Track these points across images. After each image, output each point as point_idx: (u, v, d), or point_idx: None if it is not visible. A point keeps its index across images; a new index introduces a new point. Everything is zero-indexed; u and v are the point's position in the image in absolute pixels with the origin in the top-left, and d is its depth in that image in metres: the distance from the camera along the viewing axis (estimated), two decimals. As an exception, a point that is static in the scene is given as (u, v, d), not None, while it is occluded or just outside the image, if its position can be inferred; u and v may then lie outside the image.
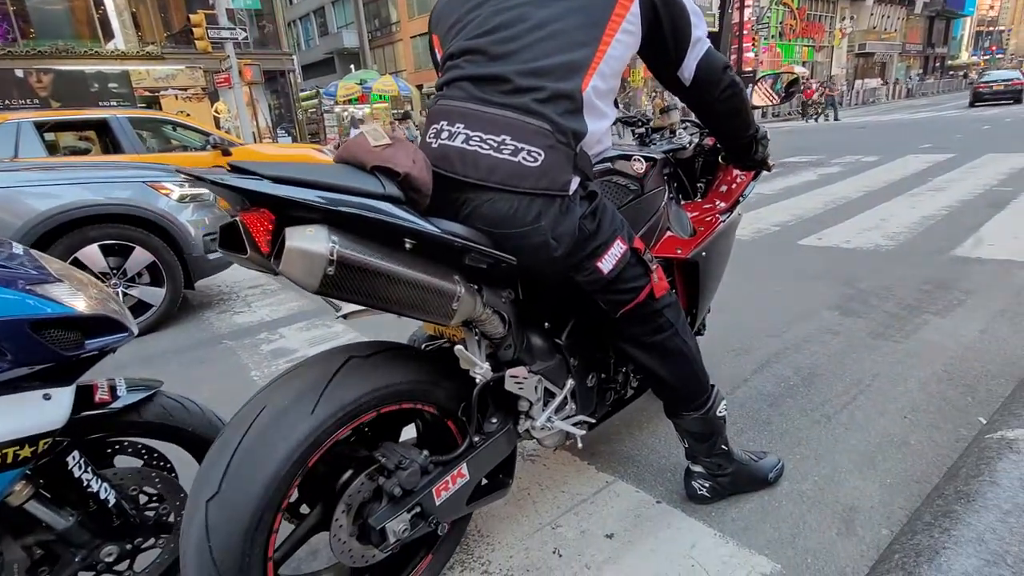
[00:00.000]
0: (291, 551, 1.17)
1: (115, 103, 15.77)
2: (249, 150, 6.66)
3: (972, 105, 21.73)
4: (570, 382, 1.40)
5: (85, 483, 1.13)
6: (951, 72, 51.27)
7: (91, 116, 6.20)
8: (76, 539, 1.15)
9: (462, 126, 1.09)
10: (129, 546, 1.21)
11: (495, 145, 1.06)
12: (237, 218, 0.96)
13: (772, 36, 32.42)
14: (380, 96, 22.36)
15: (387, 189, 0.99)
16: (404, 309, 1.06)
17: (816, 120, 20.44)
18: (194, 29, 13.48)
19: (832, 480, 1.64)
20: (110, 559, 1.18)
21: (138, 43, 18.42)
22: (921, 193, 5.69)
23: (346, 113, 21.69)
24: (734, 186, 1.84)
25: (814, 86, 24.11)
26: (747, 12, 30.32)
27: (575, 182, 1.12)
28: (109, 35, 18.37)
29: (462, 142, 1.08)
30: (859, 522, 1.46)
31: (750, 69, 29.69)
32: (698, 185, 1.92)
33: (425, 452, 1.20)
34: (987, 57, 60.19)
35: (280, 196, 0.88)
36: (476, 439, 1.27)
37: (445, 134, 1.11)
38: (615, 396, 1.62)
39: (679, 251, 1.59)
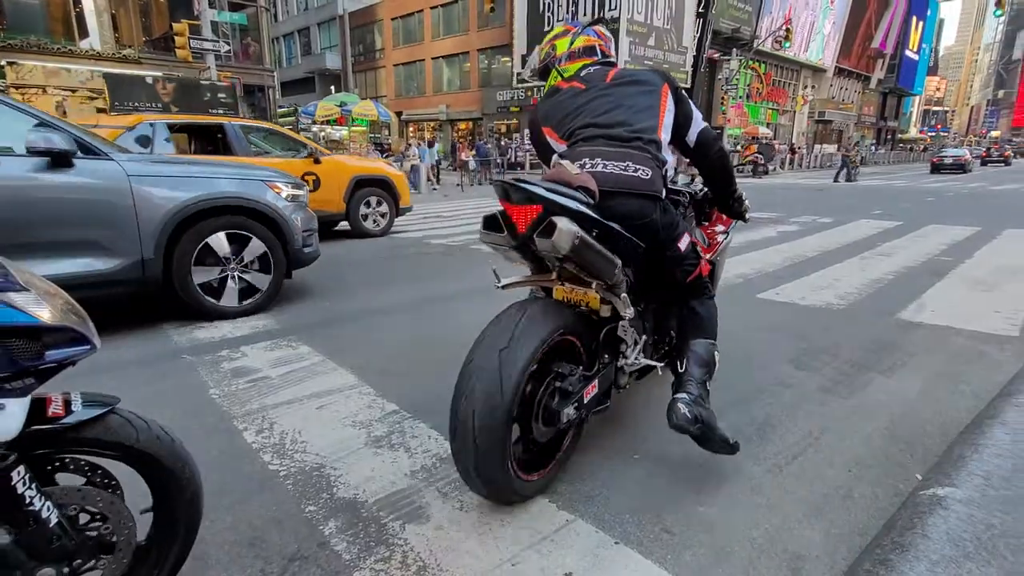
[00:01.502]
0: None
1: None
2: (335, 160, 7.79)
3: (932, 173, 27.99)
4: (644, 336, 2.12)
5: (27, 500, 1.08)
6: (901, 144, 54.73)
7: (210, 122, 7.30)
8: (11, 560, 1.10)
9: (600, 160, 1.83)
10: (67, 569, 1.16)
11: (623, 168, 1.81)
12: (498, 210, 1.76)
13: (740, 96, 34.15)
14: (359, 120, 22.43)
15: (587, 199, 1.72)
16: (594, 271, 1.76)
17: (850, 179, 20.80)
18: (176, 37, 13.39)
19: (782, 528, 1.71)
20: None
21: (115, 45, 18.13)
22: (871, 257, 6.03)
23: (323, 133, 21.68)
24: (723, 220, 2.74)
25: (776, 146, 25.46)
26: (718, 72, 31.93)
27: (664, 192, 1.89)
28: (84, 34, 18.04)
29: (602, 168, 1.81)
30: (805, 571, 1.53)
31: (718, 125, 31.09)
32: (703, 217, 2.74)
33: (581, 368, 1.88)
34: (933, 134, 64.59)
35: (555, 200, 1.63)
36: (600, 365, 1.97)
37: (588, 165, 1.84)
38: (662, 351, 2.39)
39: (704, 254, 2.30)
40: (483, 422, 1.54)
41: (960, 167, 28.54)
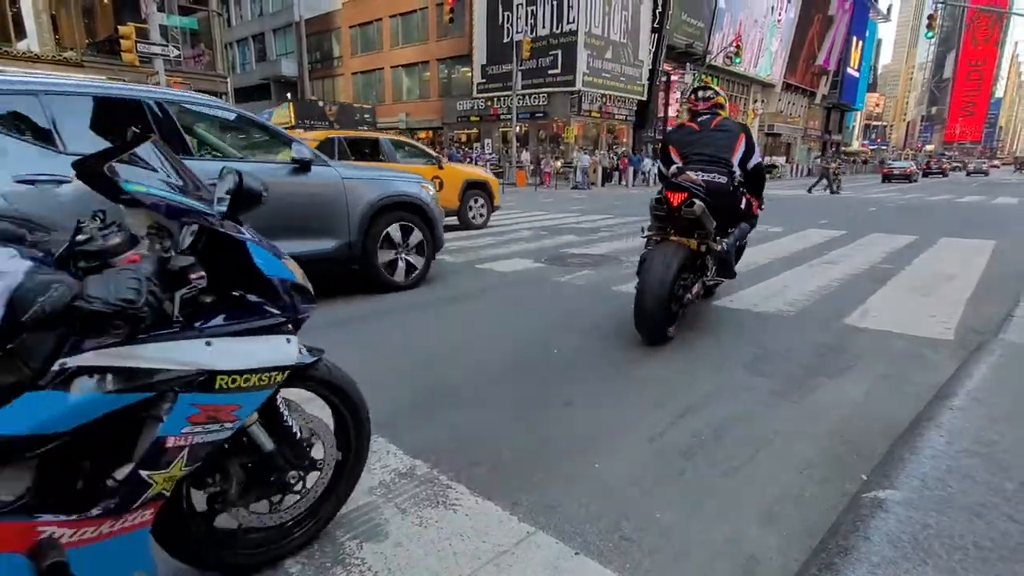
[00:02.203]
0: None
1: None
2: (451, 166, 9.85)
3: (884, 182, 31.68)
4: (713, 265, 3.79)
5: (284, 416, 1.48)
6: (844, 156, 57.38)
7: (369, 136, 9.31)
8: (275, 462, 1.45)
9: (703, 172, 3.59)
10: (302, 471, 1.54)
11: (712, 177, 3.58)
12: (658, 196, 3.57)
13: (694, 109, 35.12)
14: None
15: (701, 191, 3.48)
16: (704, 228, 3.48)
17: (834, 191, 21.10)
18: (122, 41, 12.90)
19: (737, 531, 1.75)
20: (292, 481, 1.51)
21: (55, 47, 17.33)
22: (818, 265, 6.28)
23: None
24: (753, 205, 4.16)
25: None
26: (674, 87, 32.83)
27: (732, 187, 3.68)
28: (21, 35, 17.19)
29: (705, 176, 3.57)
30: (759, 572, 1.57)
31: (674, 137, 31.84)
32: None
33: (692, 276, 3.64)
34: (873, 147, 68.06)
35: (693, 189, 3.44)
36: (698, 276, 3.74)
37: (701, 175, 3.57)
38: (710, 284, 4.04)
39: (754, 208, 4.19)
40: (656, 293, 3.30)
41: (907, 177, 32.47)
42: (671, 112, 33.36)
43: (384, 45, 37.29)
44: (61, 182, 3.05)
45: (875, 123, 78.60)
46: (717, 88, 4.19)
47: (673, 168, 3.74)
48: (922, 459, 1.29)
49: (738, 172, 3.72)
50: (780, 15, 43.54)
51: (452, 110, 33.69)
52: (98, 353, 1.04)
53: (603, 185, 25.27)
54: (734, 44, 31.10)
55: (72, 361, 1.01)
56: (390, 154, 8.50)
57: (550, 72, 28.42)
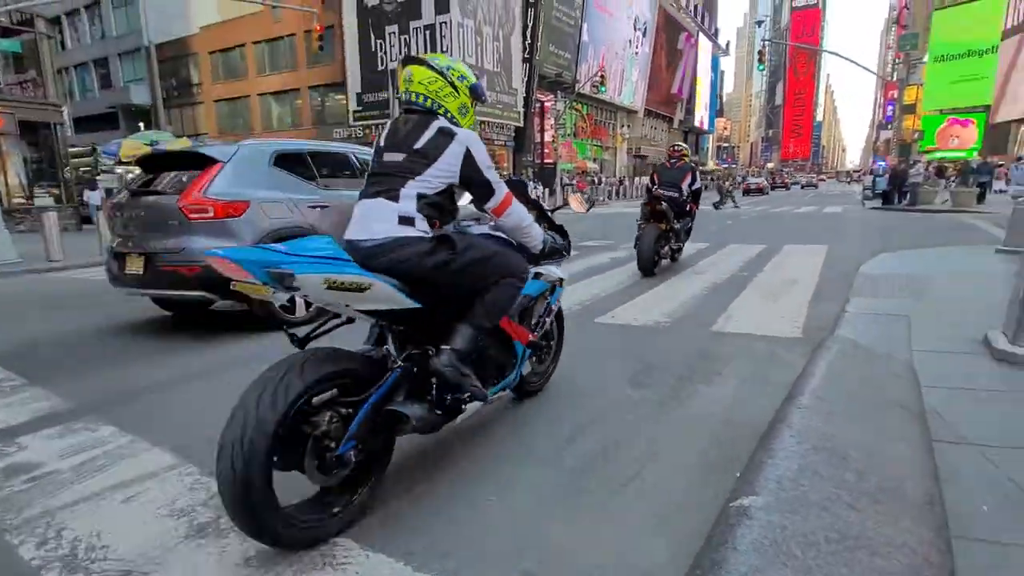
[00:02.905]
0: None
1: None
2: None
3: (744, 195, 35.77)
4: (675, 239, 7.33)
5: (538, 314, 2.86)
6: (702, 175, 63.49)
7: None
8: (549, 336, 3.13)
9: (666, 191, 7.25)
10: (552, 343, 3.22)
11: (673, 193, 7.24)
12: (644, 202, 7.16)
13: (568, 134, 37.09)
14: (176, 159, 20.18)
15: (669, 200, 7.17)
16: (669, 218, 7.00)
17: (735, 206, 22.40)
18: (-79, 65, 11.07)
19: (628, 544, 1.78)
20: (551, 346, 3.19)
21: None
22: (687, 275, 6.80)
23: (131, 175, 19.25)
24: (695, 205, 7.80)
25: (604, 180, 27.95)
26: (547, 113, 34.42)
27: (683, 198, 7.40)
28: None
29: (667, 193, 7.22)
30: (654, 587, 1.60)
31: (551, 160, 33.36)
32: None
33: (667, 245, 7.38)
34: (726, 166, 75.96)
35: (664, 196, 7.15)
36: (669, 245, 7.29)
37: (663, 191, 7.22)
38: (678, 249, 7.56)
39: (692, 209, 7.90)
40: (646, 250, 6.69)
41: (760, 191, 39.66)
42: (547, 137, 34.91)
43: (250, 72, 35.48)
44: (324, 207, 5.06)
45: (725, 144, 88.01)
46: (684, 145, 7.84)
47: (655, 188, 7.30)
48: (777, 461, 1.40)
49: (686, 191, 7.31)
50: (637, 49, 47.47)
51: (327, 138, 32.66)
52: (542, 267, 2.70)
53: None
54: (599, 74, 33.34)
55: (535, 268, 2.62)
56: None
57: (427, 100, 28.56)
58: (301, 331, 2.00)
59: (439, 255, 2.00)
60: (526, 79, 33.41)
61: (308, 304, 4.53)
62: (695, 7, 62.53)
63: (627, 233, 12.62)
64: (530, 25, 32.80)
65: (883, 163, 28.52)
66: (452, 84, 2.20)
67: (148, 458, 2.49)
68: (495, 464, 2.37)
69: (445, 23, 27.52)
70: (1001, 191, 23.99)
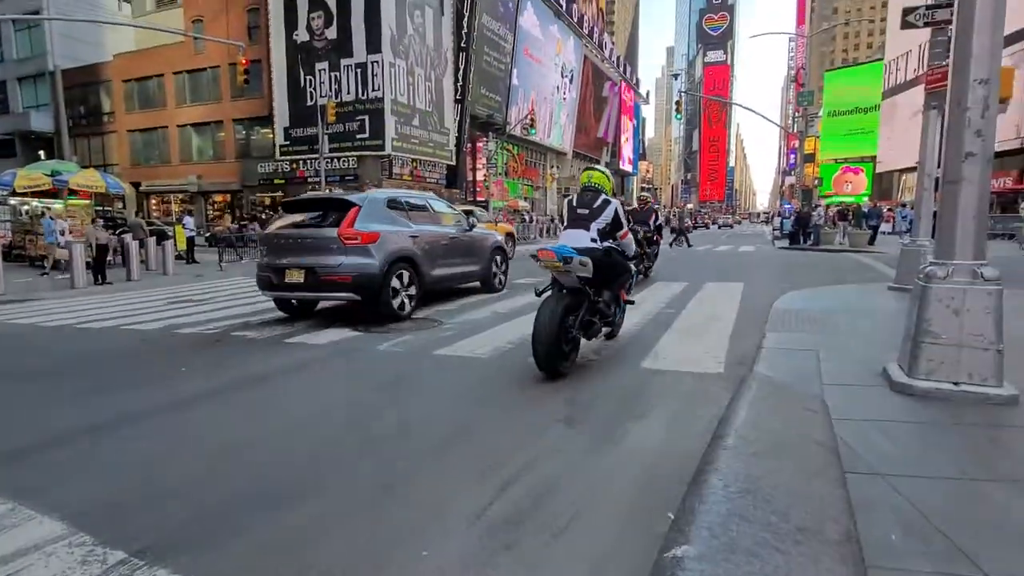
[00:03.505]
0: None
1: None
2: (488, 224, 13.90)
3: (672, 233, 41.44)
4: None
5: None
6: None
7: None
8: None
9: (638, 226, 9.56)
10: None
11: (637, 228, 9.03)
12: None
13: (500, 173, 37.83)
14: (76, 192, 18.89)
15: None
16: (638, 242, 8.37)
17: (672, 246, 22.44)
18: None
19: (567, 600, 1.74)
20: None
21: None
22: (616, 313, 6.97)
23: (26, 207, 17.76)
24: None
25: (536, 218, 28.57)
26: (480, 152, 35.04)
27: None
28: None
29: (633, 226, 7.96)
30: (591, 641, 1.56)
31: (483, 198, 33.78)
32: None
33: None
34: (677, 211, 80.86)
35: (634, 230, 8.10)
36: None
37: (634, 224, 8.76)
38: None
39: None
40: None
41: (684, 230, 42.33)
42: (479, 176, 35.42)
43: (168, 102, 34.03)
44: (416, 237, 7.28)
45: (648, 186, 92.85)
46: (649, 195, 11.39)
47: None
48: (708, 507, 1.41)
49: (652, 226, 10.01)
50: (565, 94, 49.62)
51: (252, 172, 31.65)
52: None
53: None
54: (529, 117, 34.46)
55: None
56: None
57: (358, 136, 28.44)
58: (540, 287, 4.45)
59: (603, 257, 4.31)
60: (458, 119, 34.00)
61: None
62: (618, 58, 66.54)
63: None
64: (462, 68, 33.60)
65: (789, 206, 30.98)
66: (608, 177, 4.71)
67: (31, 529, 2.21)
68: (428, 517, 2.27)
69: (377, 62, 27.69)
70: (887, 232, 26.62)
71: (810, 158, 36.95)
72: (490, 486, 2.52)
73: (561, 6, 46.11)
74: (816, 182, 32.27)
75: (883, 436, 2.69)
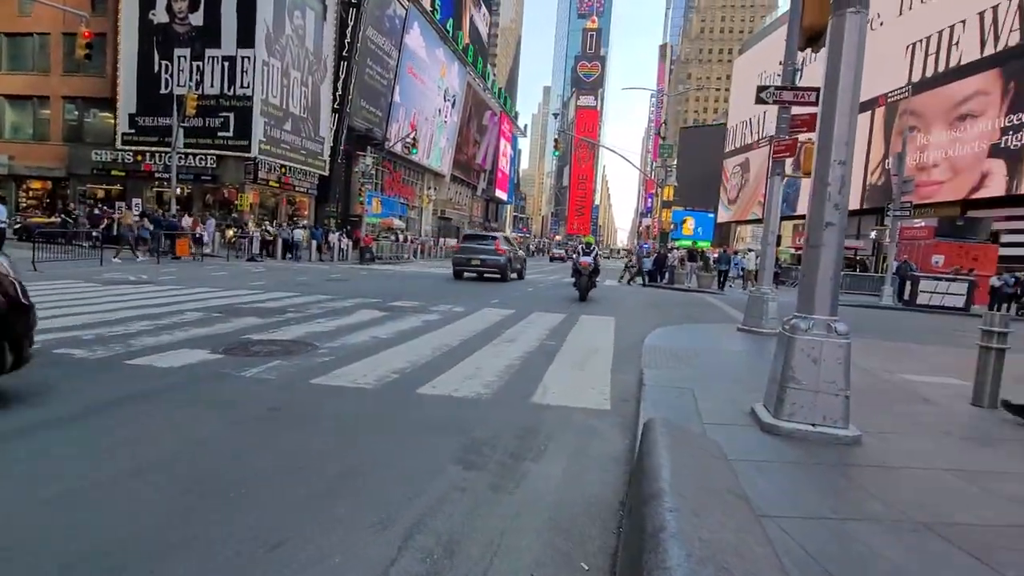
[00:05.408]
0: None
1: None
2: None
3: (550, 262, 44.12)
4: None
5: None
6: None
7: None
8: None
9: (584, 258, 14.44)
10: None
11: (589, 258, 14.07)
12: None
13: (374, 190, 36.80)
14: None
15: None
16: (592, 270, 14.23)
17: (630, 283, 22.00)
18: None
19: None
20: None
21: None
22: (500, 344, 6.97)
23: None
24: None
25: (409, 238, 28.14)
26: (356, 166, 33.84)
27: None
28: None
29: (585, 259, 14.04)
30: None
31: (357, 214, 32.58)
32: None
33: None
34: (522, 235, 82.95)
35: (580, 261, 14.58)
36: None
37: (583, 258, 14.32)
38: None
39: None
40: (584, 285, 13.67)
41: (561, 259, 47.04)
42: (353, 189, 34.15)
43: (-22, 65, 28.66)
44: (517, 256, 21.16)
45: (521, 215, 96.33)
46: (591, 239, 19.02)
47: (579, 258, 13.89)
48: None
49: (593, 263, 13.65)
50: (446, 118, 49.98)
51: (84, 159, 27.57)
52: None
53: (283, 258, 23.81)
54: (412, 135, 34.10)
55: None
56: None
57: (220, 134, 26.07)
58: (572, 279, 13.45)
59: (596, 266, 13.90)
60: (334, 129, 32.65)
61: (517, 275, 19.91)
62: (499, 90, 68.73)
63: (434, 294, 12.71)
64: (343, 77, 32.45)
65: (646, 246, 33.87)
66: (593, 240, 20.21)
67: None
68: (321, 581, 2.00)
69: (248, 58, 25.75)
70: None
71: (668, 204, 40.89)
72: (393, 537, 2.30)
73: (448, 32, 46.69)
74: (673, 227, 35.68)
75: (762, 476, 2.91)
